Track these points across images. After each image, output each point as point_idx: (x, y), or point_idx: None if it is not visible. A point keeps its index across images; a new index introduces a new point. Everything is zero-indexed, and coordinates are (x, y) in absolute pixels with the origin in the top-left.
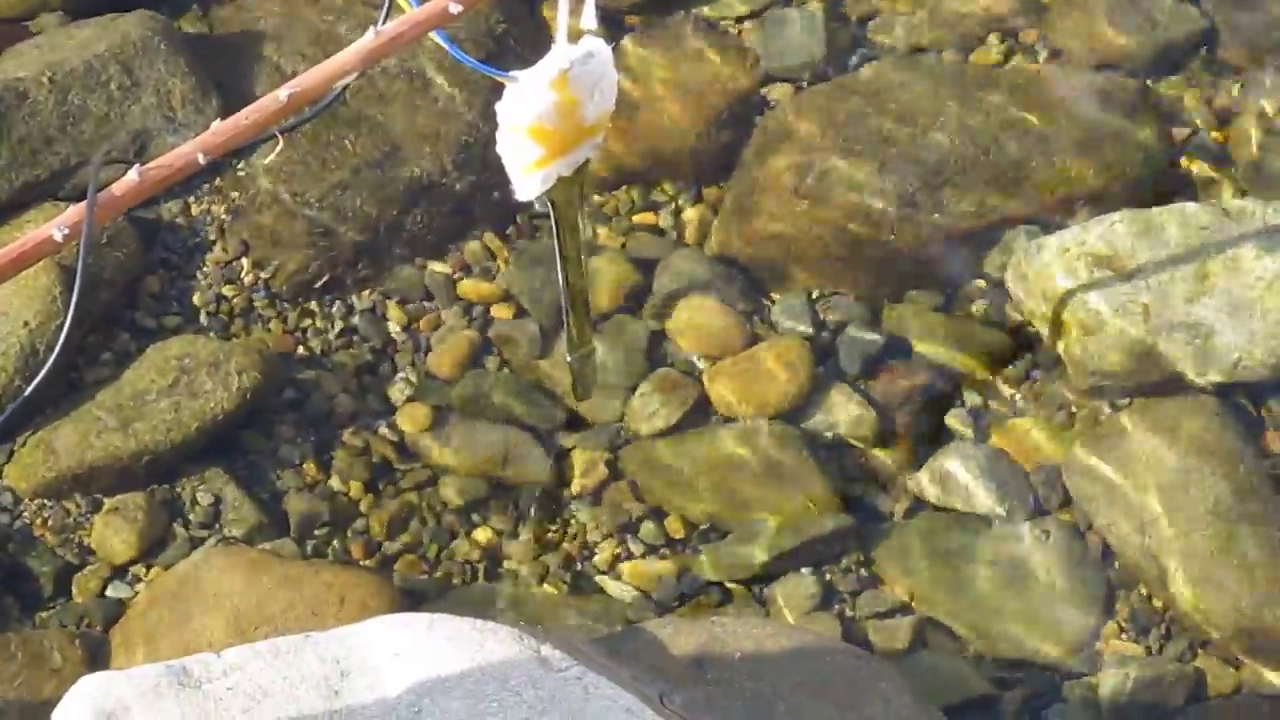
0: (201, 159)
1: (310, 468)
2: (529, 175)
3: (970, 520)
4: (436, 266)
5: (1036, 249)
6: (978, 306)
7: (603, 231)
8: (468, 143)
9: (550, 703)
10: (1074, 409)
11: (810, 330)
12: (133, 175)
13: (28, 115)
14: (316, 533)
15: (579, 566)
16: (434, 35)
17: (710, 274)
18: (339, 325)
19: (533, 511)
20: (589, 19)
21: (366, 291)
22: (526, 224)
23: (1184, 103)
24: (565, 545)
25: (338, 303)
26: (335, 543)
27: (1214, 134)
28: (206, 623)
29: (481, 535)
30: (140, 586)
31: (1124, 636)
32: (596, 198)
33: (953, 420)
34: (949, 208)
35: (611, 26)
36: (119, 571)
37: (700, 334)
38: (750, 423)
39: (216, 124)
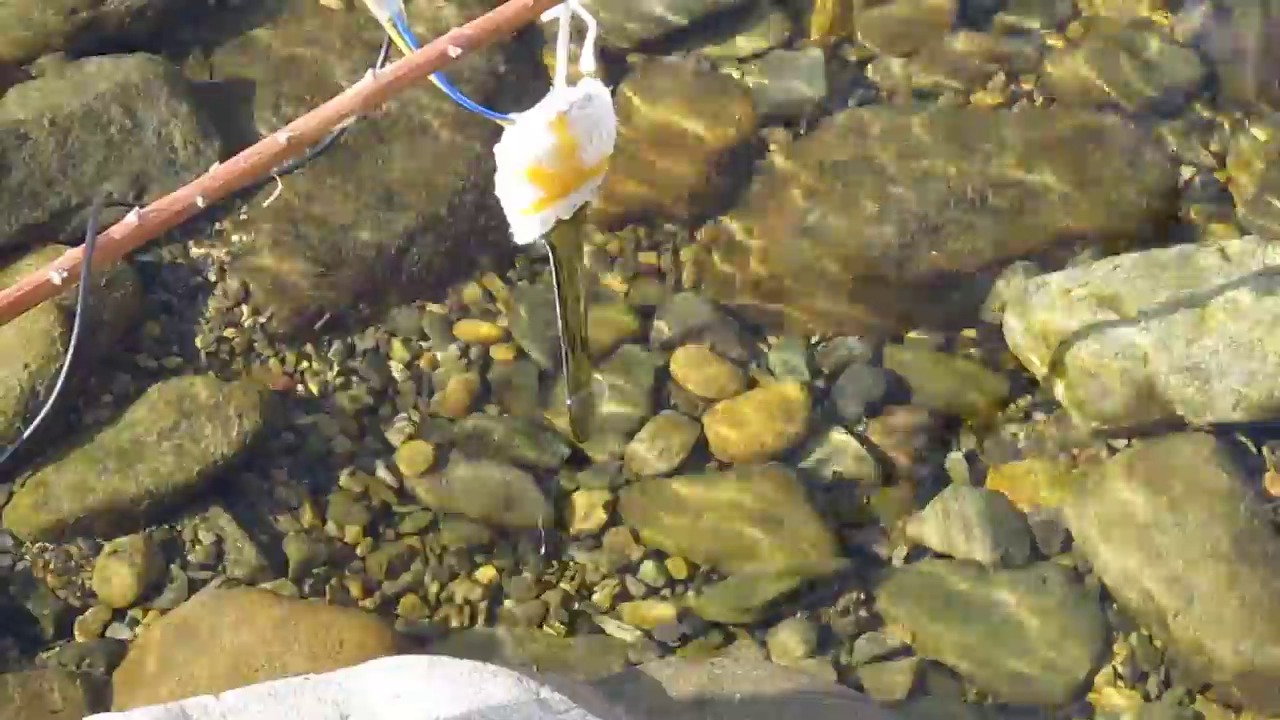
0: (200, 202)
1: (308, 511)
2: (527, 217)
3: (969, 565)
4: (435, 308)
5: (1036, 289)
6: (977, 349)
7: (603, 274)
8: (466, 185)
9: None
10: (1074, 451)
11: (808, 373)
12: (132, 218)
13: (28, 157)
14: (314, 572)
15: (578, 608)
16: (433, 78)
17: (709, 317)
18: (338, 367)
19: (533, 553)
20: (588, 61)
21: (367, 332)
22: (526, 266)
23: (1184, 145)
24: (565, 586)
25: (337, 343)
26: (334, 583)
27: (1215, 175)
28: (206, 664)
29: (482, 577)
30: (139, 629)
31: (1123, 680)
32: (597, 238)
33: (952, 464)
34: (948, 249)
35: (613, 66)
36: (119, 614)
37: (699, 377)
38: (749, 466)
39: (215, 167)
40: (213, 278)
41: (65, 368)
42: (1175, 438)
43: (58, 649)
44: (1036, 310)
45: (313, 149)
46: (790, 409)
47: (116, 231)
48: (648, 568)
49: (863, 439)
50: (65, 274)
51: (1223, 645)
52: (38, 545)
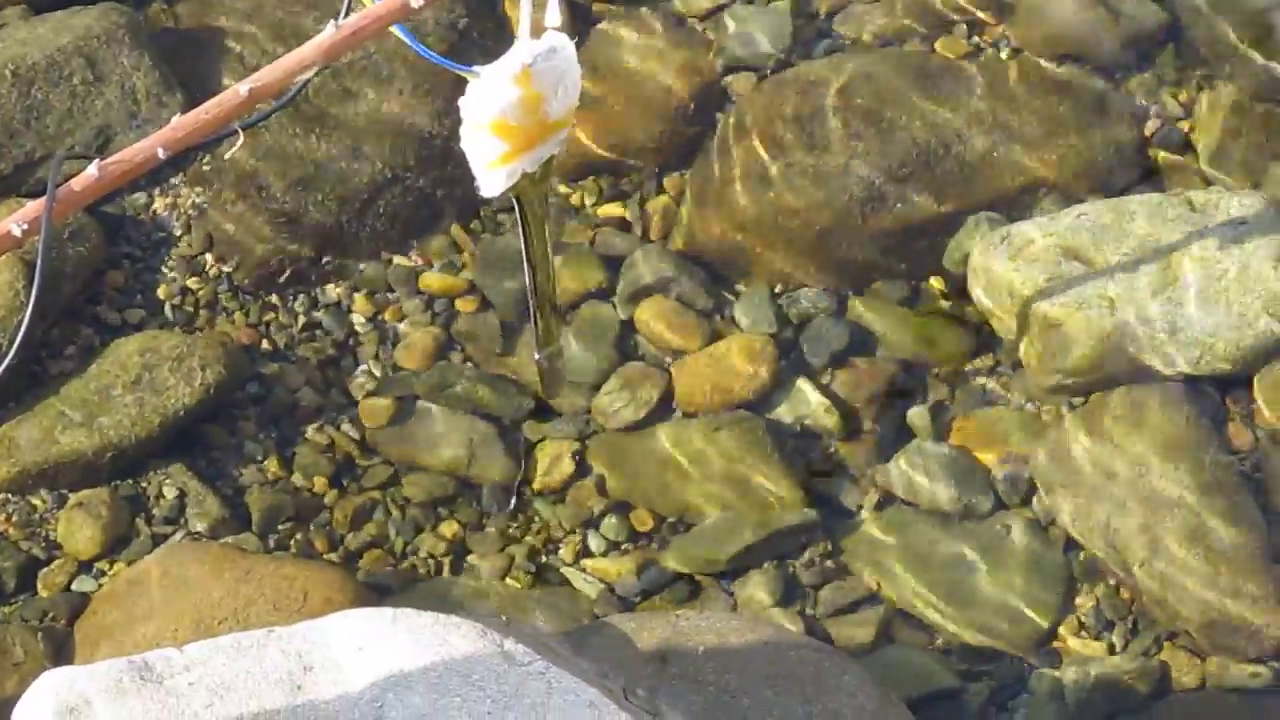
0: (162, 154)
1: (273, 463)
2: (493, 171)
3: (934, 515)
4: (400, 260)
5: (1001, 240)
6: (942, 300)
7: (569, 225)
8: (431, 138)
9: (513, 697)
10: (1039, 401)
11: (774, 324)
12: (92, 170)
13: None
14: (280, 527)
15: (544, 560)
16: (395, 29)
17: (675, 268)
18: (302, 319)
19: (497, 505)
20: (553, 14)
21: (331, 285)
22: (490, 218)
23: (1150, 95)
24: (530, 539)
25: (301, 296)
26: (298, 536)
27: (1180, 125)
28: (169, 617)
29: (446, 529)
30: (105, 581)
31: (1087, 630)
32: (562, 189)
33: (917, 415)
34: (913, 199)
35: (578, 19)
36: (85, 566)
37: (665, 329)
38: (715, 417)
39: (177, 119)
40: (176, 231)
41: (26, 319)
42: (1141, 388)
43: (20, 602)
44: (1001, 260)
45: (275, 100)
46: (756, 360)
47: (77, 183)
48: (613, 520)
49: (828, 390)
50: (26, 226)
51: (1188, 596)
52: (0, 497)
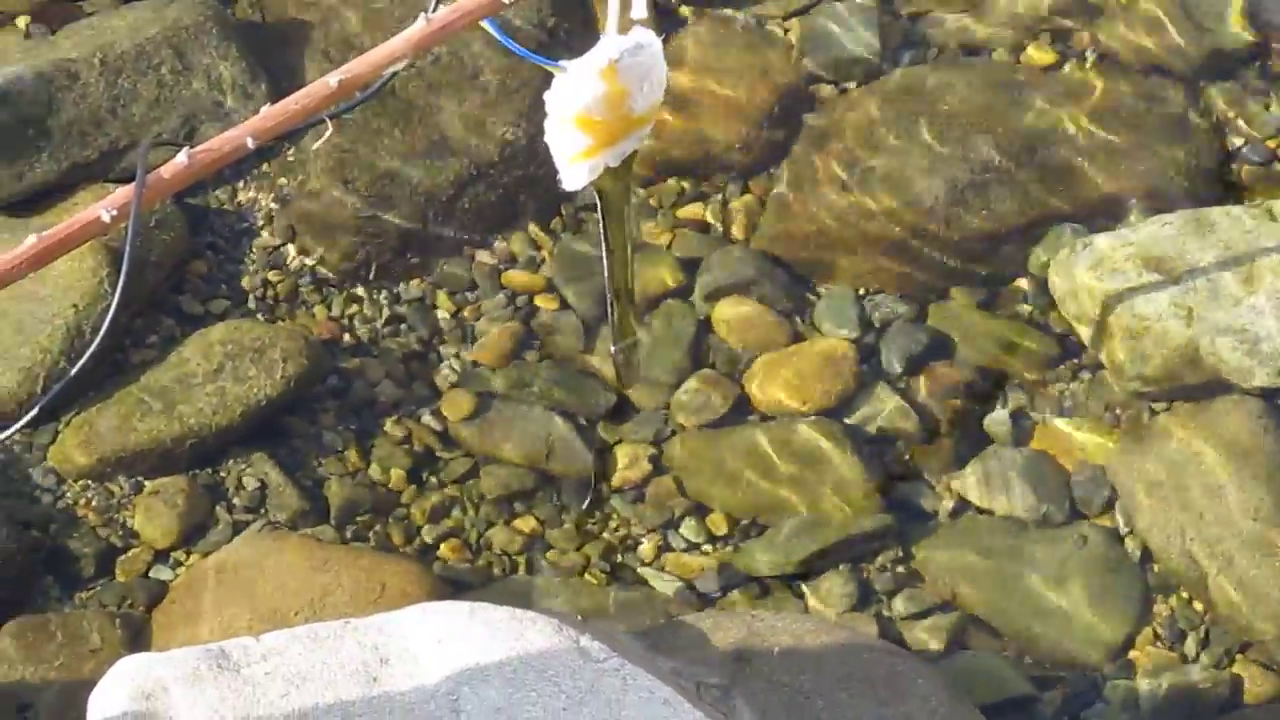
0: (250, 143)
1: (352, 455)
2: (576, 165)
3: (1010, 522)
4: (482, 256)
5: (1083, 248)
6: (1022, 306)
7: (649, 225)
8: (515, 133)
9: (588, 693)
10: (1117, 411)
11: (855, 327)
12: (181, 158)
13: (78, 97)
14: (358, 519)
15: (620, 558)
16: (484, 24)
17: (755, 270)
18: (385, 313)
19: (575, 502)
20: (640, 10)
21: (414, 280)
22: (571, 215)
23: (1234, 108)
24: (607, 537)
25: (384, 290)
26: (376, 529)
27: (1266, 142)
28: (246, 607)
29: (523, 525)
30: (182, 569)
31: (1162, 641)
32: (642, 190)
33: (995, 421)
34: (995, 206)
35: (664, 17)
36: (161, 555)
37: (745, 330)
38: (793, 419)
39: (266, 108)
40: (260, 221)
41: (113, 306)
42: (1220, 400)
43: (98, 588)
44: (1082, 269)
45: (363, 92)
46: (835, 363)
47: (166, 171)
48: (690, 520)
49: (906, 394)
50: (115, 212)
51: (1262, 608)
52: (80, 483)
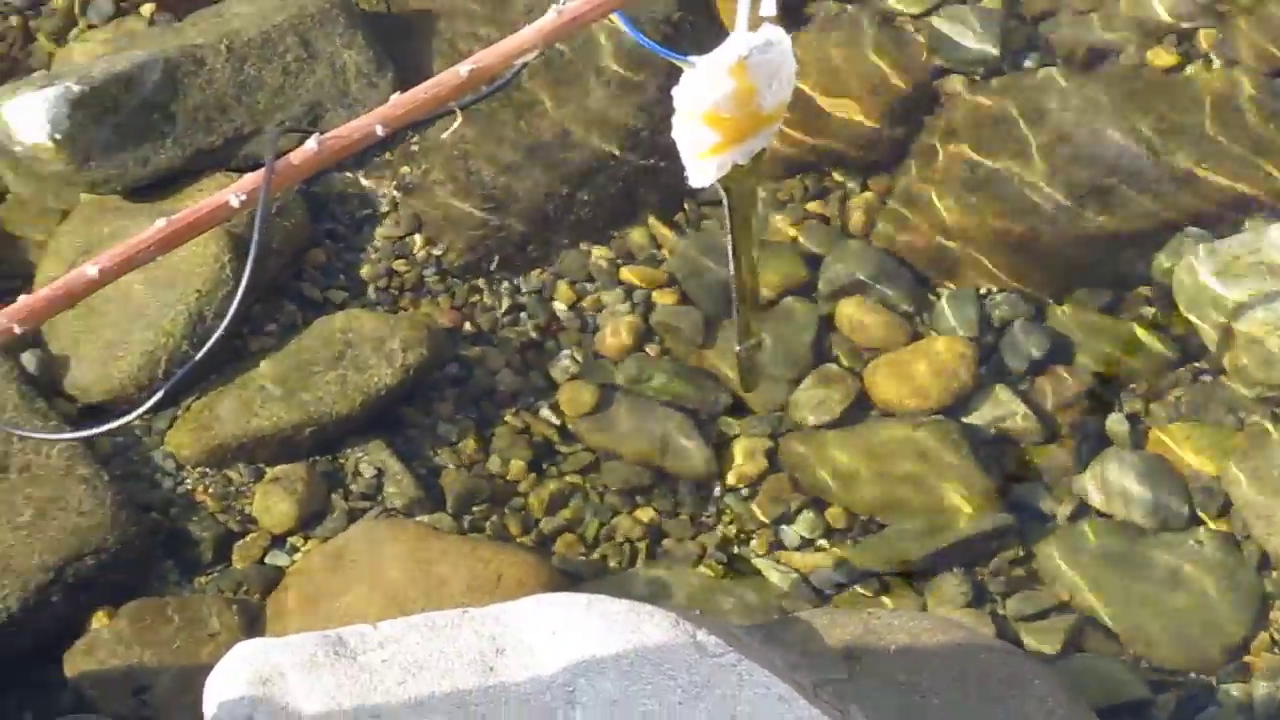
0: (380, 131)
1: (469, 445)
2: (704, 162)
3: (1128, 526)
4: (602, 250)
5: (1207, 255)
6: (1144, 309)
7: (773, 221)
8: (637, 130)
9: (704, 688)
10: (1238, 417)
11: (975, 327)
12: (311, 144)
13: (204, 83)
14: (474, 508)
15: (736, 552)
16: (614, 17)
17: (877, 268)
18: (506, 303)
19: (692, 497)
20: (769, 7)
21: (535, 272)
22: (693, 210)
23: None
24: (722, 531)
25: (505, 282)
26: (493, 519)
27: None
28: (363, 593)
29: (641, 517)
30: (298, 556)
31: (1279, 646)
32: (768, 184)
33: (1114, 424)
34: (1118, 209)
35: (791, 14)
36: (278, 540)
37: (865, 328)
38: (912, 418)
39: (396, 96)
40: (383, 209)
41: (240, 291)
42: None
43: (216, 573)
44: (1206, 274)
45: (491, 84)
46: (955, 362)
47: (295, 157)
48: (806, 516)
49: (1026, 396)
50: (244, 197)
51: None
52: (199, 469)
